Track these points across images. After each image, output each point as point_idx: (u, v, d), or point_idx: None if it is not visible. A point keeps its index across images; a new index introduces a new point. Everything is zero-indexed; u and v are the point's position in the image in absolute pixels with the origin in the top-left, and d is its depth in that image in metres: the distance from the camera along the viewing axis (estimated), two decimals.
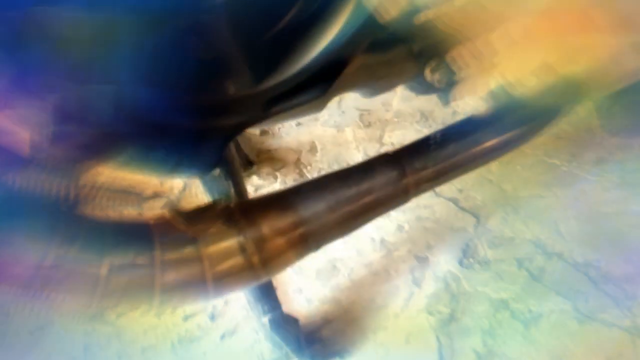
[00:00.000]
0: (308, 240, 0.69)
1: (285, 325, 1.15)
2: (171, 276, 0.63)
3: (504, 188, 1.52)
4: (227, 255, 0.66)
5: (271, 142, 1.75)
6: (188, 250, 0.64)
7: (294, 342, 1.15)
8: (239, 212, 0.69)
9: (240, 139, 1.63)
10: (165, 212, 0.64)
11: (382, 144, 1.71)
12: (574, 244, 1.37)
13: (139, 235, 0.64)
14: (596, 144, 1.62)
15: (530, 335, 1.19)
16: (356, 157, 1.68)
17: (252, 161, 1.63)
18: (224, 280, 0.67)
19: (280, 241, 0.69)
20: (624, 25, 0.66)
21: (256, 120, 0.65)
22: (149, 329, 1.26)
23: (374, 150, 1.68)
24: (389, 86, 0.82)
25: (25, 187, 0.57)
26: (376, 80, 0.77)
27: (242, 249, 0.67)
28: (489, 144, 0.77)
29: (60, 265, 0.57)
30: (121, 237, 0.64)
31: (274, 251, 0.68)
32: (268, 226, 0.68)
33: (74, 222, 0.60)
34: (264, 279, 0.71)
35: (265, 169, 1.64)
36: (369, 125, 1.78)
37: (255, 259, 0.67)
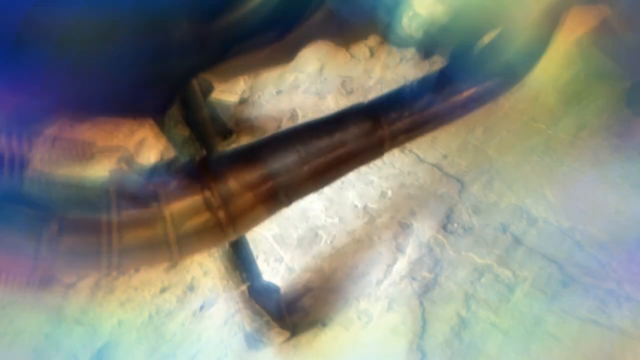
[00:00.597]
0: (278, 194, 0.65)
1: (266, 293, 1.12)
2: (130, 236, 0.59)
3: (489, 153, 1.49)
4: (191, 211, 0.62)
5: (251, 111, 1.70)
6: (148, 207, 0.60)
7: (275, 311, 1.13)
8: (204, 165, 0.64)
9: (218, 107, 1.58)
10: (122, 166, 0.59)
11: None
12: (559, 207, 1.35)
13: (92, 190, 0.60)
14: (582, 108, 1.60)
15: (515, 299, 1.18)
16: None
17: (231, 130, 1.58)
18: (188, 238, 0.63)
19: (248, 195, 0.65)
20: None
21: (213, 61, 0.61)
22: (125, 301, 1.23)
23: None
24: (362, 35, 0.77)
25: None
26: (347, 29, 0.72)
27: (208, 204, 0.63)
28: (466, 93, 0.73)
29: (5, 220, 0.53)
30: (72, 192, 0.59)
31: (242, 206, 0.65)
32: (235, 180, 0.64)
33: (19, 177, 0.56)
34: (232, 237, 0.67)
35: (245, 138, 1.60)
36: (351, 92, 1.74)
37: (222, 214, 0.63)
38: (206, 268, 1.29)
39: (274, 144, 0.67)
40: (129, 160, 0.60)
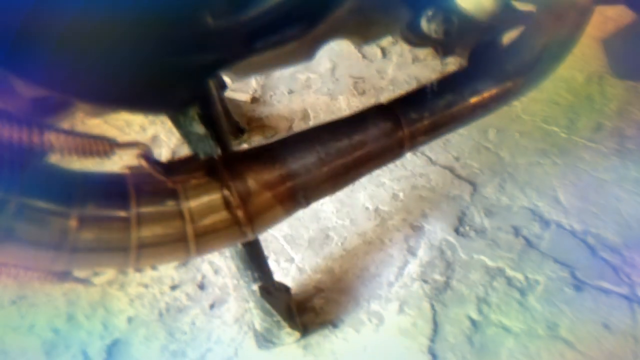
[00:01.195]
0: (297, 194, 0.65)
1: (277, 293, 1.11)
2: (148, 231, 0.59)
3: (501, 155, 1.49)
4: (210, 209, 0.62)
5: (262, 110, 1.70)
6: (167, 204, 0.60)
7: (286, 311, 1.12)
8: (223, 164, 0.64)
9: (230, 106, 1.58)
10: (142, 162, 0.59)
11: None
12: (572, 211, 1.34)
13: (112, 185, 0.60)
14: (595, 110, 1.59)
15: (527, 303, 1.17)
16: None
17: (243, 129, 1.58)
18: (206, 236, 0.63)
19: (267, 195, 0.64)
20: None
21: (237, 56, 0.60)
22: (135, 298, 1.23)
23: None
24: (381, 34, 0.77)
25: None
26: (368, 26, 0.71)
27: (227, 203, 0.62)
28: (487, 94, 0.72)
29: (23, 215, 0.53)
30: (92, 186, 0.59)
31: (260, 206, 0.64)
32: (254, 179, 0.64)
33: (36, 171, 0.56)
34: (249, 237, 0.67)
35: (257, 137, 1.59)
36: (363, 92, 1.73)
37: (241, 213, 0.63)
38: (217, 266, 1.29)
39: (293, 144, 0.66)
40: (148, 156, 0.59)
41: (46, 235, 0.53)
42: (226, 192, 0.62)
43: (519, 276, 1.21)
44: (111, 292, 1.24)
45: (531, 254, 1.25)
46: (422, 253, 1.28)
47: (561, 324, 1.13)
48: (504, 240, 1.29)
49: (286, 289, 1.15)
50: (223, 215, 0.62)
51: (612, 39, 1.23)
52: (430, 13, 0.78)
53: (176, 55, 0.55)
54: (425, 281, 1.22)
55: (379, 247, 1.31)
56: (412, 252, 1.29)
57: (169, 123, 0.80)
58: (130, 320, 1.18)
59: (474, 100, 0.72)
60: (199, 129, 0.85)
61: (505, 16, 0.73)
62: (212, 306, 1.21)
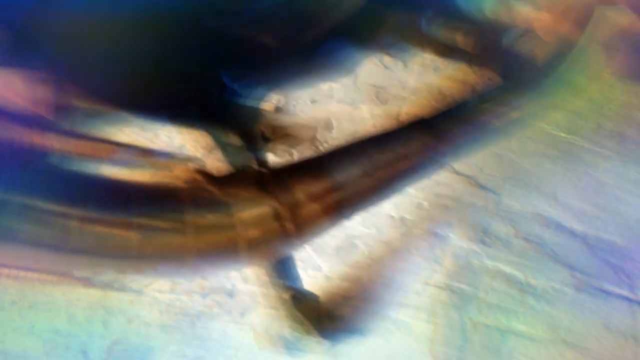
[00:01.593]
0: (343, 206, 0.67)
1: (306, 301, 1.13)
2: (203, 242, 0.61)
3: (523, 165, 1.49)
4: (261, 221, 0.64)
5: (286, 119, 1.72)
6: (221, 215, 0.62)
7: (314, 319, 1.14)
8: (272, 177, 0.66)
9: (255, 115, 1.60)
10: (196, 175, 0.61)
11: (399, 122, 1.68)
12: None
13: (168, 197, 0.62)
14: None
15: (551, 311, 1.17)
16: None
17: (268, 138, 1.59)
18: (257, 247, 0.65)
19: (314, 207, 0.66)
20: None
21: (269, 70, 0.62)
22: (167, 305, 1.24)
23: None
24: (413, 50, 0.78)
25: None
26: (403, 40, 0.73)
27: (277, 215, 0.64)
28: (525, 107, 0.74)
29: (88, 228, 0.55)
30: (149, 199, 0.61)
31: (308, 217, 0.66)
32: (302, 191, 0.66)
33: (97, 184, 0.58)
34: (296, 247, 0.68)
35: (281, 146, 1.61)
36: (385, 102, 1.74)
37: (290, 225, 0.65)
38: (246, 274, 1.30)
39: (339, 157, 0.68)
40: (203, 170, 0.61)
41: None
42: (275, 204, 0.64)
43: (544, 285, 1.22)
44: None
45: (550, 263, 1.26)
46: (448, 262, 1.29)
47: (582, 333, 1.13)
48: (526, 248, 1.29)
49: (314, 297, 1.17)
50: (273, 226, 0.64)
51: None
52: (465, 28, 0.80)
53: (204, 66, 0.57)
54: (451, 290, 1.23)
55: (404, 256, 1.32)
56: (437, 261, 1.30)
57: (195, 133, 0.82)
58: (163, 327, 1.20)
59: (511, 112, 0.73)
60: (235, 140, 0.87)
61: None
62: (242, 314, 1.22)
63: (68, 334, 1.16)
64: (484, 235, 1.33)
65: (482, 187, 1.48)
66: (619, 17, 1.32)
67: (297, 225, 0.66)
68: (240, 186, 0.64)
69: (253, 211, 0.63)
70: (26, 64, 0.54)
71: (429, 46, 0.83)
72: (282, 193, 0.65)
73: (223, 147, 0.92)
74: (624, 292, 1.16)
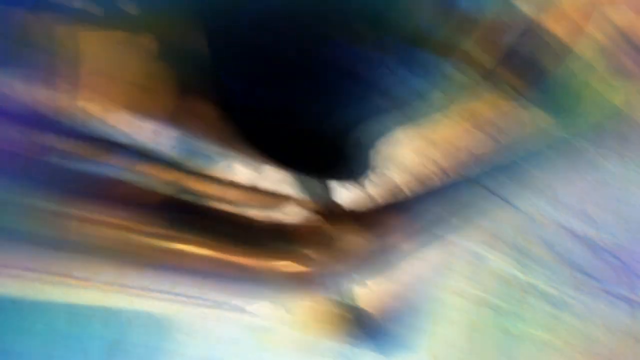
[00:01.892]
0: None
1: (360, 318, 1.18)
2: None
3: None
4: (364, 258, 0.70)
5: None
6: (333, 252, 0.68)
7: (369, 336, 1.18)
8: (372, 216, 0.73)
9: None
10: (309, 215, 0.67)
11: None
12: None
13: (286, 237, 0.68)
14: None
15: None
16: None
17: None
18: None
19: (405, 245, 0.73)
20: None
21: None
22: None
23: None
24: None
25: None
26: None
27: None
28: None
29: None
30: (268, 238, 0.67)
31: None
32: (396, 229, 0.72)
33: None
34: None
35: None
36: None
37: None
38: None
39: (425, 199, 0.75)
40: (315, 207, 0.68)
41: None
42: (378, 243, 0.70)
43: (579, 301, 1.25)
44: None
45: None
46: (485, 279, 1.32)
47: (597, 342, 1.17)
48: (558, 267, 1.32)
49: (368, 314, 1.22)
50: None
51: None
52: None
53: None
54: (490, 307, 1.26)
55: (442, 272, 1.37)
56: (474, 278, 1.34)
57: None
58: (232, 340, 1.18)
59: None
60: (318, 187, 0.90)
61: None
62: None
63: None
64: (518, 255, 1.37)
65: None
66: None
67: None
68: (345, 224, 0.70)
69: (359, 248, 0.70)
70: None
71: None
72: (383, 232, 0.71)
73: (297, 178, 0.94)
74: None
